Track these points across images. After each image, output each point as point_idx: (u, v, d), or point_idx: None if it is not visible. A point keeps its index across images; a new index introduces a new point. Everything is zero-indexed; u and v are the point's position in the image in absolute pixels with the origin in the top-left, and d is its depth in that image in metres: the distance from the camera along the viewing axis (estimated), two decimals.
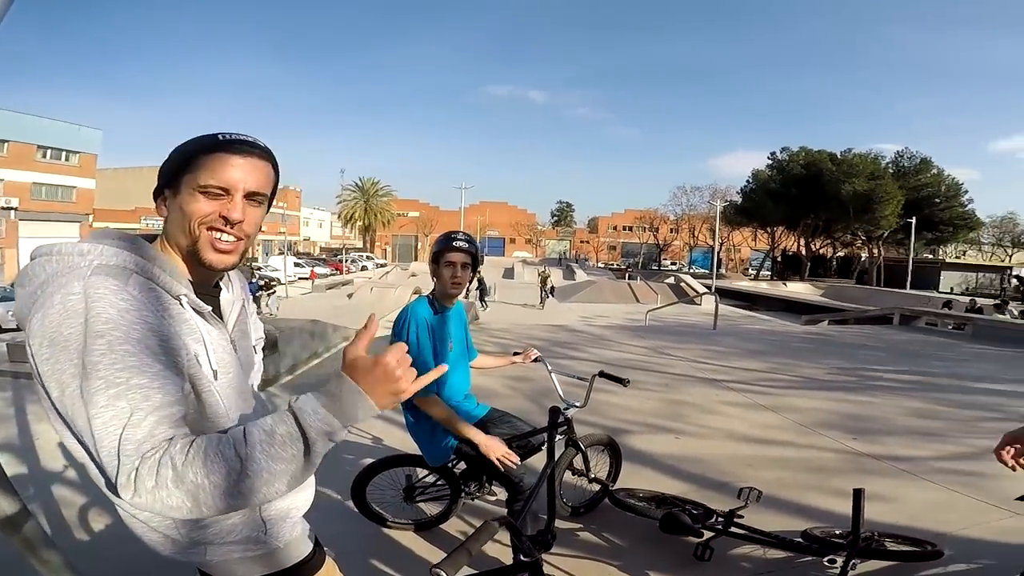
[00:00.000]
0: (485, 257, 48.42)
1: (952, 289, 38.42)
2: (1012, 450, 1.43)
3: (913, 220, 37.34)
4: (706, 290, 22.44)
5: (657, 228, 61.56)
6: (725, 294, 24.86)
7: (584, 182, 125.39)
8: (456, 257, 2.17)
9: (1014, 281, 38.15)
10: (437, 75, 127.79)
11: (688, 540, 2.43)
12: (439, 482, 2.59)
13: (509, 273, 37.65)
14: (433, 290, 2.26)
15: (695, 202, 55.80)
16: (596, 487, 2.81)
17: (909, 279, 36.17)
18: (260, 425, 0.76)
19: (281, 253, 36.29)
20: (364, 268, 44.38)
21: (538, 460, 2.41)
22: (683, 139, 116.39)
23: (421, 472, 2.61)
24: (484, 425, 2.30)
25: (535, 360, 2.66)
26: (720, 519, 2.38)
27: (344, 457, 3.46)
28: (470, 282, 2.45)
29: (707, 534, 2.34)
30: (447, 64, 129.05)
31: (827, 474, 3.46)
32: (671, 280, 30.75)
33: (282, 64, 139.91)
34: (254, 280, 18.53)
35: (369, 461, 2.65)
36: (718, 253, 48.70)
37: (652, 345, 8.76)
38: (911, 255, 38.32)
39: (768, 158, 46.45)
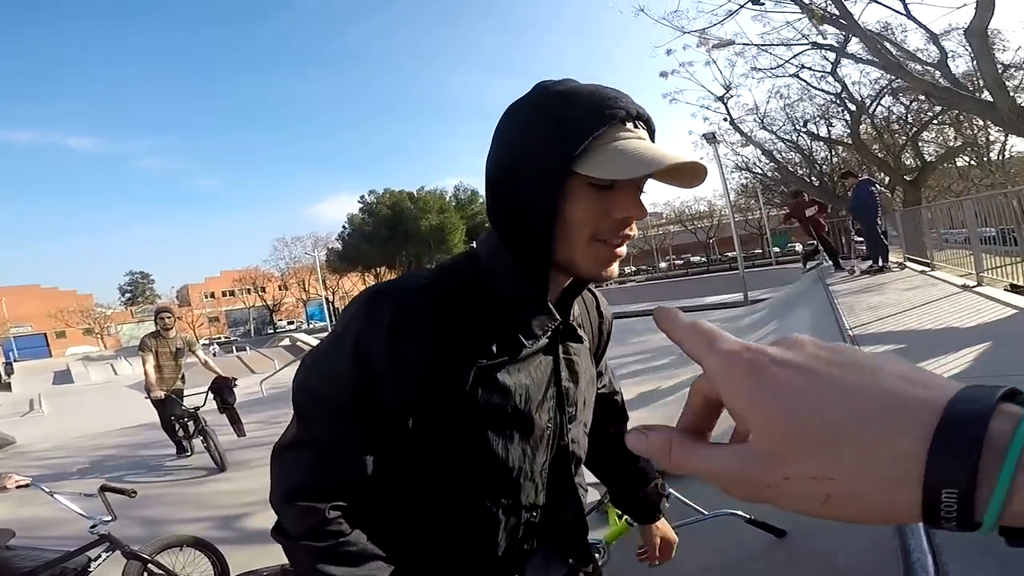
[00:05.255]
0: (17, 363, 35.01)
1: None
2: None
3: (474, 244, 46.58)
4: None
5: (263, 288, 57.75)
6: None
7: (163, 246, 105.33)
8: None
9: None
10: None
11: None
12: None
13: (64, 377, 28.58)
14: None
15: (298, 254, 54.93)
16: None
17: None
18: None
19: None
20: None
21: None
22: (279, 187, 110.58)
23: None
24: None
25: (22, 486, 2.42)
26: None
27: None
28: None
29: None
30: None
31: None
32: (286, 342, 29.41)
33: None
34: None
35: None
36: (332, 303, 49.37)
37: (263, 418, 8.08)
38: None
39: (359, 202, 49.66)
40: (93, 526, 2.43)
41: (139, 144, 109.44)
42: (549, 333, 0.77)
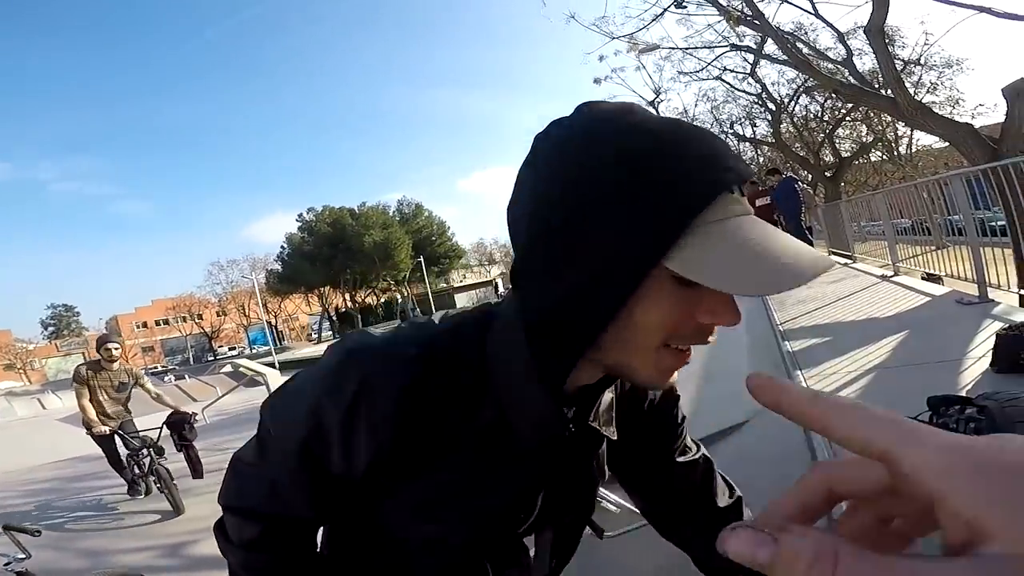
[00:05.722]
0: None
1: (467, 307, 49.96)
2: None
3: (421, 258, 46.23)
4: (263, 368, 21.35)
5: (200, 315, 54.90)
6: (289, 365, 24.33)
7: (89, 276, 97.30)
8: None
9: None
10: None
11: None
12: None
13: None
14: None
15: (235, 277, 52.68)
16: None
17: (433, 308, 44.56)
18: None
19: None
20: None
21: None
22: (210, 209, 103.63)
23: None
24: None
25: None
26: None
27: None
28: None
29: None
30: None
31: None
32: (227, 368, 28.13)
33: None
34: None
35: None
36: (275, 326, 47.46)
37: (208, 445, 7.71)
38: (428, 288, 47.26)
39: (297, 220, 48.20)
40: (7, 564, 2.42)
41: (56, 167, 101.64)
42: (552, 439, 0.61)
